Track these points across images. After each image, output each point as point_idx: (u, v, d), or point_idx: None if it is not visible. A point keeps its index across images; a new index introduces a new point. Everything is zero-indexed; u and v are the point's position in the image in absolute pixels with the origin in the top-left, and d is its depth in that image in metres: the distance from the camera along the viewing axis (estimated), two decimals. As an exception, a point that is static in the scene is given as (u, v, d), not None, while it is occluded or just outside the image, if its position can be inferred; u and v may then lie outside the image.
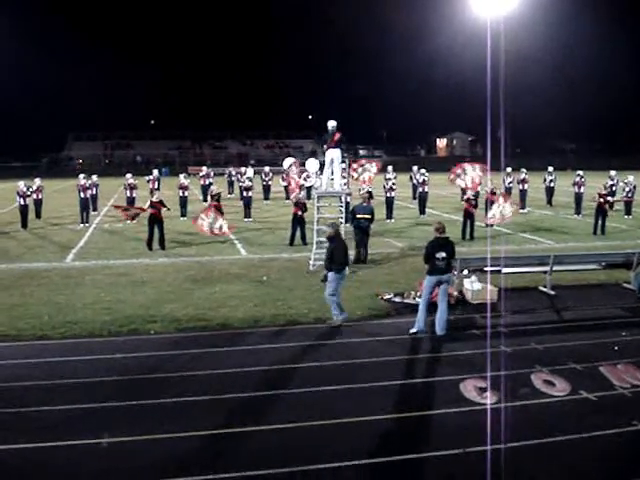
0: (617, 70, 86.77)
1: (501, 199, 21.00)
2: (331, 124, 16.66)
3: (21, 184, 25.42)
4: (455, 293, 13.44)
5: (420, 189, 29.52)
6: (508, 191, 32.67)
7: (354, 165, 20.93)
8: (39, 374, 9.32)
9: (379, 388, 8.87)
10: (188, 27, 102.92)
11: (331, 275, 11.72)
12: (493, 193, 24.08)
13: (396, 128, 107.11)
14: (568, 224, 25.69)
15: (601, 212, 22.74)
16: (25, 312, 12.42)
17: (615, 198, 26.12)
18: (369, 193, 22.11)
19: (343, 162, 17.57)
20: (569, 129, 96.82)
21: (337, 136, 16.73)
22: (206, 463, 6.85)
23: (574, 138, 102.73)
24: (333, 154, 16.76)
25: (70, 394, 8.62)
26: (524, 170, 31.56)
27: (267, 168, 36.93)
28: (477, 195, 22.27)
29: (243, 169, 35.61)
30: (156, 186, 29.94)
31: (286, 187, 34.56)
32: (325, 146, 16.98)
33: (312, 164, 26.27)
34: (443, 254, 11.26)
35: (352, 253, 17.24)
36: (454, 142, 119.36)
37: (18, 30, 75.15)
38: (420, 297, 13.07)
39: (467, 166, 21.09)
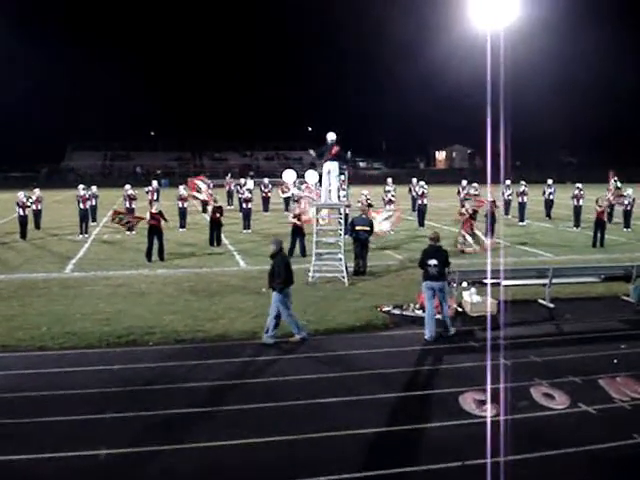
0: (618, 83, 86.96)
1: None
2: (330, 136, 16.67)
3: (20, 194, 25.43)
4: (454, 305, 13.44)
5: (419, 201, 29.57)
6: (507, 203, 32.84)
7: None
8: (37, 385, 9.30)
9: (377, 400, 8.85)
10: (189, 39, 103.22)
11: (274, 295, 11.39)
12: (493, 204, 24.18)
13: (395, 140, 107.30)
14: (567, 237, 25.69)
15: (600, 225, 22.76)
16: (24, 322, 12.41)
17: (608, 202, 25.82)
18: (368, 204, 22.16)
19: (342, 174, 17.59)
20: (569, 142, 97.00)
21: (335, 149, 16.74)
22: (200, 475, 6.83)
23: (574, 151, 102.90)
24: (330, 166, 16.79)
25: (68, 405, 8.60)
26: (523, 182, 31.60)
27: (266, 179, 37.00)
28: (475, 209, 22.30)
29: (243, 180, 35.64)
30: (155, 197, 29.96)
31: (286, 199, 34.59)
32: (323, 158, 16.98)
33: (311, 176, 26.33)
34: (435, 261, 11.83)
35: (352, 265, 17.28)
36: (453, 154, 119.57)
37: (17, 40, 75.27)
38: (419, 309, 13.23)
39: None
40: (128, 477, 6.82)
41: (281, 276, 11.27)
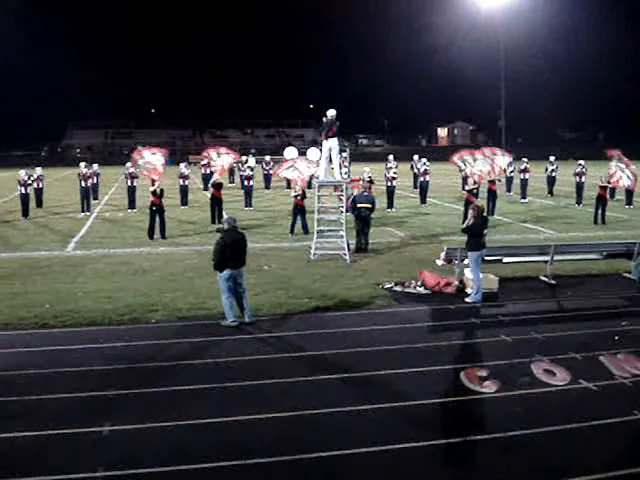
0: (620, 58, 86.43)
1: None
2: (330, 113, 16.58)
3: (22, 173, 25.46)
4: (456, 282, 13.46)
5: (421, 178, 29.53)
6: (509, 180, 32.75)
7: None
8: (40, 362, 9.34)
9: (379, 377, 8.87)
10: (188, 16, 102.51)
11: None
12: (492, 182, 24.10)
13: (397, 117, 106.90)
14: (569, 214, 25.66)
15: (601, 201, 22.71)
16: (26, 301, 12.43)
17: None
18: (370, 181, 22.08)
19: (343, 151, 17.51)
20: (571, 118, 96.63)
21: (336, 125, 16.65)
22: (207, 451, 6.87)
23: (576, 127, 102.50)
24: (331, 143, 16.70)
25: (71, 382, 8.64)
26: (525, 159, 31.52)
27: (268, 157, 36.90)
28: (478, 185, 22.23)
29: (244, 158, 35.55)
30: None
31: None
32: (323, 134, 16.88)
33: (313, 153, 26.25)
34: (486, 230, 13.01)
35: (353, 242, 17.28)
36: (455, 131, 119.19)
37: (17, 19, 74.88)
38: (420, 286, 13.29)
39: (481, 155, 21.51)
40: (132, 453, 6.86)
41: (215, 255, 11.02)
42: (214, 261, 11.04)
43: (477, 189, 21.84)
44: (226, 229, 11.31)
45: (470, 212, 13.15)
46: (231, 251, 10.95)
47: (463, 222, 21.07)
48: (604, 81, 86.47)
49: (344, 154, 17.53)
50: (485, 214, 13.42)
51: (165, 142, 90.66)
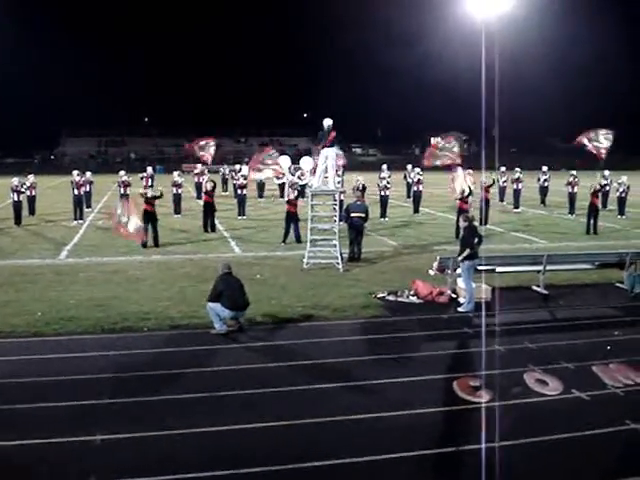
0: (614, 70, 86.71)
1: None
2: (327, 122, 16.64)
3: (15, 180, 25.39)
4: (448, 292, 13.49)
5: (415, 188, 29.60)
6: (502, 190, 32.86)
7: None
8: (32, 371, 9.30)
9: (371, 386, 8.87)
10: (183, 24, 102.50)
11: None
12: (487, 190, 24.19)
13: (391, 126, 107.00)
14: (562, 224, 25.75)
15: (593, 211, 22.79)
16: (18, 309, 12.38)
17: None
18: (362, 189, 22.11)
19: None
20: (564, 129, 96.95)
21: (333, 135, 16.71)
22: (199, 461, 6.84)
23: (569, 138, 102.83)
24: (328, 152, 16.75)
25: (63, 391, 8.60)
26: (518, 169, 31.63)
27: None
28: (470, 192, 22.25)
29: (237, 166, 35.52)
30: (150, 183, 29.86)
31: (281, 185, 34.48)
32: (320, 144, 16.93)
33: (307, 162, 26.29)
34: (477, 239, 12.84)
35: (346, 251, 17.28)
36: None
37: (10, 26, 74.69)
38: (413, 295, 13.32)
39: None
40: (123, 462, 6.83)
41: (211, 293, 11.14)
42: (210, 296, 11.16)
43: (469, 195, 21.84)
44: (220, 273, 11.37)
45: (461, 223, 13.27)
46: (228, 294, 11.00)
47: (456, 231, 21.27)
48: (599, 92, 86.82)
49: (339, 162, 17.55)
50: (475, 223, 13.50)
51: (159, 150, 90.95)
